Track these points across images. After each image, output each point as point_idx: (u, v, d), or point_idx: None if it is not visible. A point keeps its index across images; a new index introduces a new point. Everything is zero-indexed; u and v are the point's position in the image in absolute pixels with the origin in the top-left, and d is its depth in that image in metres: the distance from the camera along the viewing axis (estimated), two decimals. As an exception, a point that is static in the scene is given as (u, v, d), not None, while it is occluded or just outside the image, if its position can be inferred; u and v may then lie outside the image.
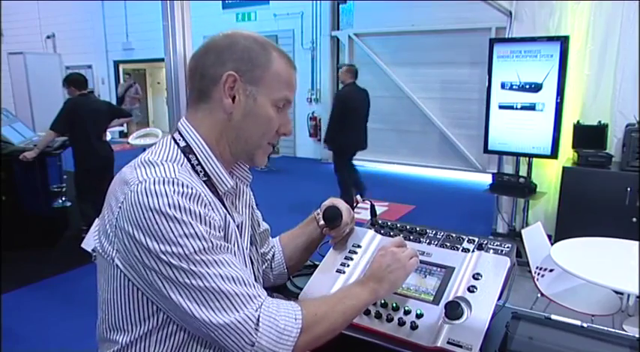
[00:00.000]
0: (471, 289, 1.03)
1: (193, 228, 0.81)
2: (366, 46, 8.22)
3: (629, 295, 2.41)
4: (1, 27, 8.21)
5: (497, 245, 1.14)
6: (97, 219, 1.08)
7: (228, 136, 0.94)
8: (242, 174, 1.05)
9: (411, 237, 1.22)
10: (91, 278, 0.96)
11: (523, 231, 2.76)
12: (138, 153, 0.96)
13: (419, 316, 1.02)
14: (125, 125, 9.30)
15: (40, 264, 4.00)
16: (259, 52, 0.93)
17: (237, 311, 0.81)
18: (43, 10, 11.96)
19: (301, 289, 1.16)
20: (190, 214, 0.81)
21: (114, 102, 9.55)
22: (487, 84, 4.19)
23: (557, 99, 3.84)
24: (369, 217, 1.31)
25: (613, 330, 1.11)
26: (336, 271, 1.15)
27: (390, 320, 1.03)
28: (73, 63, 10.58)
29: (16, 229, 4.19)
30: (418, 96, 7.89)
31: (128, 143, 7.20)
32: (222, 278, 0.82)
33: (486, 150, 4.33)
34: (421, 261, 1.11)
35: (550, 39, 3.88)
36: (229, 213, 0.94)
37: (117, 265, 0.86)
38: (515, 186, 4.12)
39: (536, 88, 3.93)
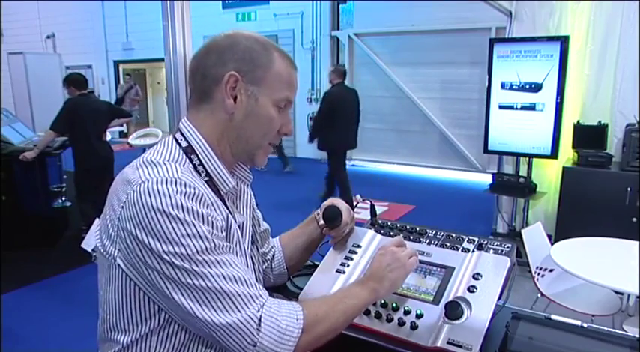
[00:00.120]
0: (471, 289, 1.03)
1: (196, 228, 0.81)
2: (366, 46, 8.22)
3: (629, 295, 2.41)
4: (1, 27, 8.22)
5: (497, 245, 1.14)
6: (97, 219, 1.08)
7: (229, 136, 0.94)
8: (243, 174, 1.05)
9: (411, 237, 1.22)
10: (92, 278, 0.97)
11: (523, 231, 2.76)
12: (138, 153, 0.96)
13: (419, 316, 1.02)
14: (125, 125, 9.32)
15: (40, 264, 4.00)
16: (261, 52, 0.93)
17: (239, 312, 0.81)
18: (43, 10, 11.96)
19: (301, 289, 1.16)
20: (193, 214, 0.82)
21: (114, 102, 9.56)
22: (487, 84, 4.19)
23: (557, 99, 3.84)
24: (369, 217, 1.31)
25: (613, 330, 1.11)
26: (336, 271, 1.15)
27: (390, 320, 1.03)
28: (73, 63, 10.59)
29: (16, 229, 4.19)
30: (418, 96, 7.89)
31: (128, 143, 7.19)
32: (224, 278, 0.82)
33: (486, 150, 4.33)
34: (421, 261, 1.11)
35: (550, 39, 3.88)
36: (231, 214, 0.94)
37: (119, 265, 0.86)
38: (515, 186, 4.12)
39: (536, 87, 3.93)
